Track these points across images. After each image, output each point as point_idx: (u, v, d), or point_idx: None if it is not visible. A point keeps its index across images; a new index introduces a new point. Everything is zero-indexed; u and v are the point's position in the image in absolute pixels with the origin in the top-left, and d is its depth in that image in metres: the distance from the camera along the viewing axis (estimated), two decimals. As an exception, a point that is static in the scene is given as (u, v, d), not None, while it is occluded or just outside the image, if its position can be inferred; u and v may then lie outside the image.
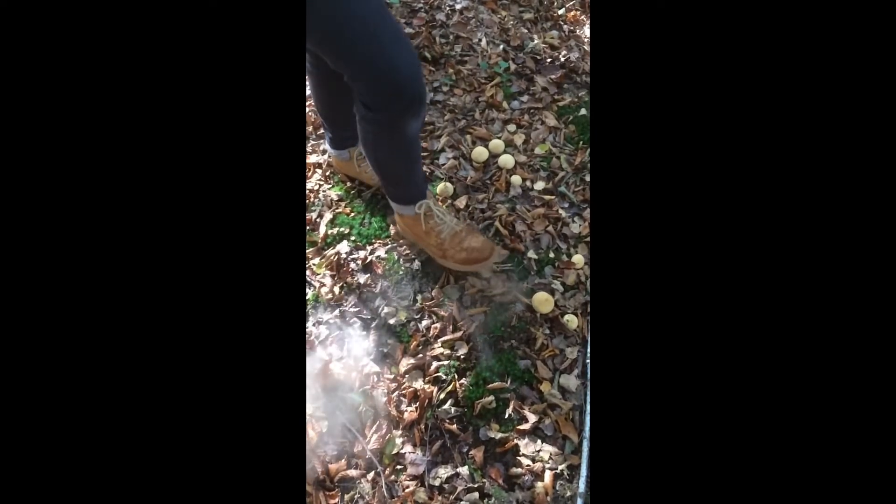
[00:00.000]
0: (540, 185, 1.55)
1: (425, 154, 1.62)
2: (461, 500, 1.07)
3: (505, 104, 1.75)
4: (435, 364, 1.23)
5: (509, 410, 1.18)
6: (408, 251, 1.41)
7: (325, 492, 1.08)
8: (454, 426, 1.16)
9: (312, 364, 1.23)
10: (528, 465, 1.12)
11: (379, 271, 1.38)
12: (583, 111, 1.74)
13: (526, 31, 2.00)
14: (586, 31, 2.02)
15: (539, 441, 1.15)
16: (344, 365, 1.24)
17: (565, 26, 2.04)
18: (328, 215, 1.48)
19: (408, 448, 1.14)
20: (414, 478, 1.10)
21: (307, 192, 1.53)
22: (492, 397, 1.18)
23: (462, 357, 1.24)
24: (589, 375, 1.23)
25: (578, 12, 2.09)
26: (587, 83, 1.84)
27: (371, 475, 1.10)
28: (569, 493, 1.09)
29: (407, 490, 1.08)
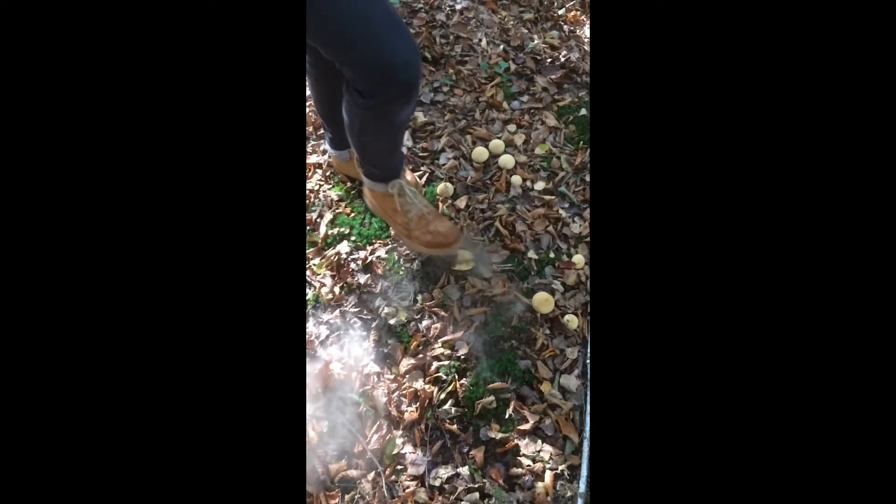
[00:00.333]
0: (540, 186, 1.55)
1: (425, 154, 1.62)
2: (461, 500, 1.07)
3: (505, 104, 1.75)
4: (435, 364, 1.23)
5: (510, 410, 1.18)
6: (408, 251, 1.41)
7: (325, 492, 1.08)
8: (454, 426, 1.16)
9: (313, 364, 1.23)
10: (528, 466, 1.12)
11: (379, 271, 1.38)
12: (583, 111, 1.74)
13: (526, 31, 2.00)
14: (586, 31, 2.02)
15: (539, 441, 1.15)
16: (344, 365, 1.24)
17: (565, 26, 2.04)
18: (328, 215, 1.48)
19: (408, 448, 1.14)
20: (414, 478, 1.10)
21: (307, 192, 1.53)
22: (492, 397, 1.18)
23: (462, 357, 1.24)
24: (589, 375, 1.23)
25: (578, 12, 2.09)
26: (587, 83, 1.84)
27: (371, 475, 1.10)
28: (569, 494, 1.09)
29: (407, 490, 1.08)
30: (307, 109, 1.67)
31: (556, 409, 1.19)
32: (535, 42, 1.94)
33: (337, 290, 1.35)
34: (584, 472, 1.10)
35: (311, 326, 1.30)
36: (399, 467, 1.12)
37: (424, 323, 1.30)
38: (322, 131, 1.63)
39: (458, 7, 2.04)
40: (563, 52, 1.92)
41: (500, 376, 1.22)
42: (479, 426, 1.16)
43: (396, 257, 1.40)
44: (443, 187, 1.51)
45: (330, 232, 1.45)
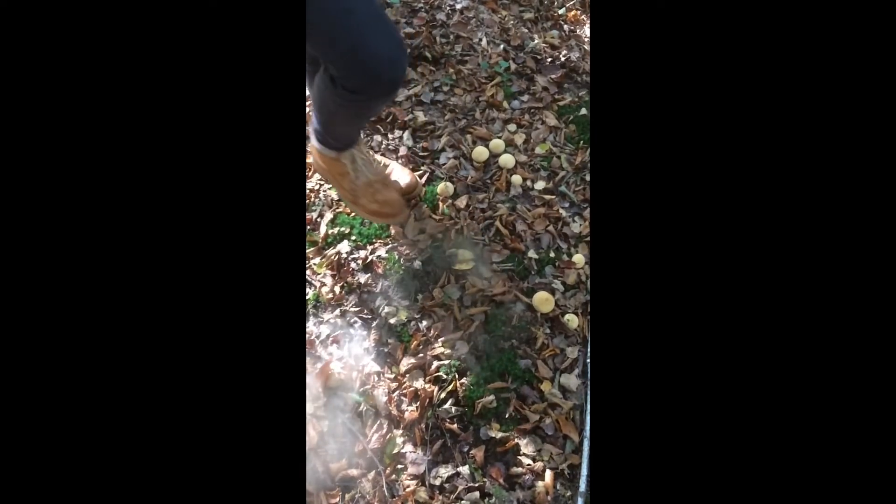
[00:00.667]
0: (540, 185, 1.55)
1: (426, 154, 1.62)
2: (462, 499, 1.07)
3: (505, 104, 1.75)
4: (435, 364, 1.23)
5: (510, 410, 1.18)
6: (408, 251, 1.41)
7: (325, 491, 1.09)
8: (455, 426, 1.16)
9: (313, 364, 1.23)
10: (528, 465, 1.12)
11: (379, 271, 1.38)
12: (583, 111, 1.74)
13: (526, 30, 2.00)
14: (586, 30, 2.02)
15: (540, 440, 1.15)
16: (344, 364, 1.24)
17: (566, 26, 2.04)
18: (329, 215, 1.48)
19: (408, 447, 1.14)
20: (415, 477, 1.10)
21: (307, 191, 1.53)
22: (492, 397, 1.18)
23: (462, 357, 1.24)
24: (589, 375, 1.23)
25: (579, 12, 2.09)
26: (587, 83, 1.84)
27: (372, 474, 1.10)
28: (569, 493, 1.09)
29: (408, 489, 1.08)
30: (307, 109, 1.67)
31: (557, 408, 1.19)
32: (536, 41, 1.94)
33: (337, 289, 1.35)
34: (584, 471, 1.10)
35: (311, 326, 1.30)
36: (399, 466, 1.12)
37: (425, 322, 1.30)
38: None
39: (458, 6, 2.04)
40: (564, 52, 1.92)
41: (500, 376, 1.22)
42: (479, 425, 1.16)
43: (397, 257, 1.40)
44: (443, 187, 1.51)
45: (330, 231, 1.45)
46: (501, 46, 1.92)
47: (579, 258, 1.41)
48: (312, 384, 1.20)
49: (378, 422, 1.17)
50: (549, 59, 1.90)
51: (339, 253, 1.40)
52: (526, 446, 1.14)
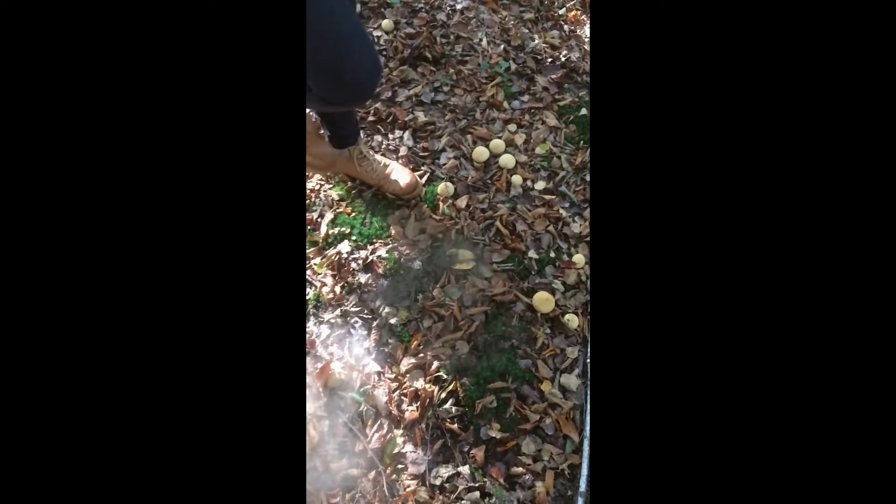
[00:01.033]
0: (540, 185, 1.55)
1: (426, 154, 1.62)
2: (462, 499, 1.07)
3: (505, 104, 1.75)
4: (436, 363, 1.23)
5: (510, 410, 1.18)
6: (408, 251, 1.41)
7: (326, 491, 1.09)
8: (455, 425, 1.16)
9: (313, 364, 1.23)
10: (528, 465, 1.12)
11: (380, 271, 1.38)
12: (583, 111, 1.74)
13: (526, 30, 2.00)
14: (587, 30, 2.02)
15: (540, 440, 1.15)
16: (345, 364, 1.24)
17: (566, 26, 2.04)
18: (329, 215, 1.48)
19: (409, 447, 1.14)
20: (415, 477, 1.10)
21: (308, 191, 1.53)
22: (493, 397, 1.19)
23: (462, 357, 1.24)
24: (589, 375, 1.23)
25: (579, 12, 2.09)
26: (587, 83, 1.84)
27: (372, 474, 1.10)
28: (569, 493, 1.09)
29: (408, 489, 1.08)
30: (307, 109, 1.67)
31: (557, 408, 1.19)
32: (536, 42, 1.94)
33: (338, 289, 1.35)
34: (584, 471, 1.10)
35: (311, 326, 1.30)
36: (400, 466, 1.12)
37: (425, 322, 1.30)
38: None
39: (458, 6, 2.04)
40: (564, 52, 1.92)
41: (500, 376, 1.22)
42: (479, 425, 1.16)
43: (397, 256, 1.40)
44: (443, 187, 1.52)
45: (331, 231, 1.45)
46: (502, 46, 1.92)
47: (579, 258, 1.41)
48: (313, 384, 1.20)
49: (378, 422, 1.17)
50: (550, 60, 1.90)
51: (339, 253, 1.40)
52: (526, 446, 1.14)
